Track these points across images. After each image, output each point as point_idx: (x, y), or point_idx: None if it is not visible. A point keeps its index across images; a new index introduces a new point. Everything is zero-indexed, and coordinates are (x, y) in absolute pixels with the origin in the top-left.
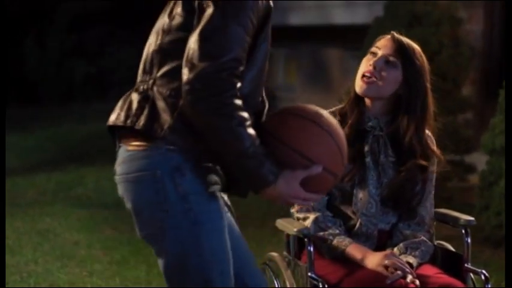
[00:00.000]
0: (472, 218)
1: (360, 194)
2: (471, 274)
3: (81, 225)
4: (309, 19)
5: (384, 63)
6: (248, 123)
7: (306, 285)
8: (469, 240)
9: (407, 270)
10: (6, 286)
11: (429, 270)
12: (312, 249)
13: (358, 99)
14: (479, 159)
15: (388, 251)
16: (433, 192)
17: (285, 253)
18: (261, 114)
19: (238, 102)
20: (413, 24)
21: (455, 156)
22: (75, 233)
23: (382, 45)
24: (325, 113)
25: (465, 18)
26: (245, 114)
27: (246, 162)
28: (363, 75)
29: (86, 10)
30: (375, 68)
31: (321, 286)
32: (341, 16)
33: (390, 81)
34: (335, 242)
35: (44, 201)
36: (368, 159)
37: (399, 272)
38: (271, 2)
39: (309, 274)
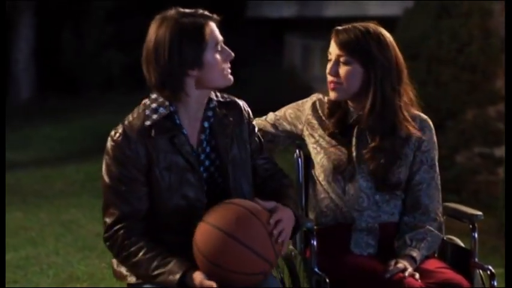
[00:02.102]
0: (479, 213)
1: (351, 190)
2: (480, 270)
3: None
4: (344, 11)
5: (337, 65)
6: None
7: (310, 279)
8: (476, 235)
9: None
10: (26, 277)
11: (433, 265)
12: (315, 243)
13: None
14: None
15: None
16: (437, 179)
17: (291, 247)
18: None
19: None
20: (442, 16)
21: (485, 149)
22: (99, 225)
23: (331, 48)
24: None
25: (499, 10)
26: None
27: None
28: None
29: (124, 0)
30: (332, 75)
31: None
32: (375, 8)
33: (351, 78)
34: None
35: (71, 192)
36: (355, 154)
37: (400, 265)
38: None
39: (313, 269)
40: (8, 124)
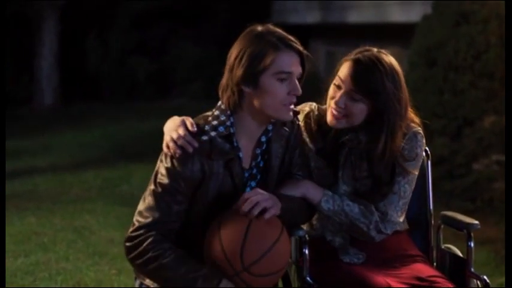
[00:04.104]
0: (476, 222)
1: None
2: (477, 280)
3: (118, 223)
4: (367, 17)
5: (348, 100)
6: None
7: None
8: (472, 245)
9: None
10: (34, 283)
11: (425, 272)
12: (307, 252)
13: None
14: None
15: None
16: (402, 185)
17: None
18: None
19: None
20: (460, 23)
21: (502, 157)
22: (111, 231)
23: (344, 77)
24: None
25: None
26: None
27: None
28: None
29: (148, 7)
30: (340, 106)
31: None
32: (397, 14)
33: (358, 114)
34: None
35: (87, 198)
36: (340, 173)
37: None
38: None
39: (305, 277)
40: (30, 130)
